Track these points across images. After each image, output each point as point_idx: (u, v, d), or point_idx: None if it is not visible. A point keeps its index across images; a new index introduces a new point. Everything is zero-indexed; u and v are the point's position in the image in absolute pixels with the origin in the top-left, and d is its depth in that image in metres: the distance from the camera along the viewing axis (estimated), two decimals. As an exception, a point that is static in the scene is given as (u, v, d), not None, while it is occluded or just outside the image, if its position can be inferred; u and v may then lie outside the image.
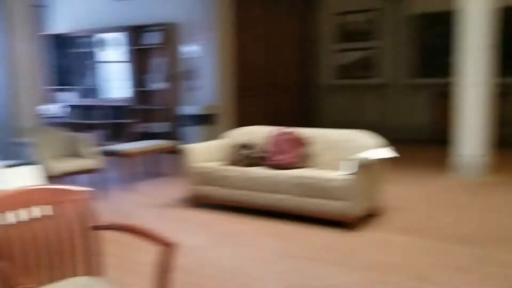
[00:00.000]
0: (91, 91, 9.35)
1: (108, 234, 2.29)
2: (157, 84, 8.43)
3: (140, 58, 8.54)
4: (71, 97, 9.52)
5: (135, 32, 8.43)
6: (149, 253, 2.29)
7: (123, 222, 2.36)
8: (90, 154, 5.46)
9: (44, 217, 2.11)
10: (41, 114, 6.42)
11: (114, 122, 8.97)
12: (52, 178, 4.78)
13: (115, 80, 9.07)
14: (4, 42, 5.71)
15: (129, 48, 8.56)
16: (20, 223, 2.03)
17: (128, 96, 8.68)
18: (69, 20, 9.47)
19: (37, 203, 2.09)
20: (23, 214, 2.05)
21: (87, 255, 2.21)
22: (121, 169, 6.14)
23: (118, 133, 8.94)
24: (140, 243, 2.24)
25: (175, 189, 5.78)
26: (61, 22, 9.62)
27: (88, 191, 2.28)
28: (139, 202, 5.39)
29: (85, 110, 9.40)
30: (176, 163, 6.48)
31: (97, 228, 2.24)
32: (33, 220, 2.07)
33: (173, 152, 6.49)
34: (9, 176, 3.36)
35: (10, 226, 1.99)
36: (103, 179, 5.58)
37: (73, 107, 9.47)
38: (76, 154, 5.51)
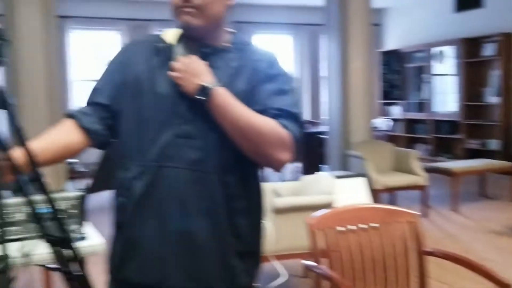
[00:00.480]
0: (416, 105, 9.32)
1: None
2: (490, 98, 7.82)
3: (470, 70, 8.07)
4: (396, 111, 9.70)
5: (467, 44, 8.01)
6: (474, 282, 2.09)
7: (454, 253, 2.21)
8: (415, 169, 5.40)
9: (372, 235, 2.14)
10: (372, 128, 6.70)
11: (439, 136, 8.72)
12: (376, 191, 4.90)
13: (441, 93, 8.82)
14: (341, 59, 6.19)
15: (459, 61, 8.19)
16: (348, 238, 2.11)
17: (455, 110, 8.31)
18: (400, 36, 9.69)
19: (368, 221, 2.15)
20: (353, 229, 2.13)
21: (414, 277, 2.15)
22: (444, 187, 5.89)
23: (442, 148, 8.67)
24: (465, 269, 2.06)
25: (505, 214, 5.21)
26: (392, 39, 9.92)
27: (418, 214, 2.22)
28: (463, 224, 5.05)
29: (409, 123, 9.43)
30: (510, 186, 5.87)
31: (426, 253, 2.15)
32: (361, 237, 2.13)
33: (508, 173, 5.88)
34: (339, 187, 3.57)
35: (341, 239, 2.09)
36: (425, 196, 5.44)
37: (396, 120, 9.62)
38: (400, 169, 5.53)
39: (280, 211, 3.16)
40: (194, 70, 1.29)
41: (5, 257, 1.07)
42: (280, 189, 3.48)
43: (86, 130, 1.39)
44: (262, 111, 1.32)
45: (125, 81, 1.39)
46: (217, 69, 1.34)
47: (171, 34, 1.43)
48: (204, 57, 1.35)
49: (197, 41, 1.38)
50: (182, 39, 1.41)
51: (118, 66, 1.44)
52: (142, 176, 1.33)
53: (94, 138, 1.41)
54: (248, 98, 1.33)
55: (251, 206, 1.41)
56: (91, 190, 1.61)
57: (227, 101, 1.28)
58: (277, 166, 1.36)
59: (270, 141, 1.30)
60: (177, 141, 1.32)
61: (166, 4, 1.43)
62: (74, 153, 1.40)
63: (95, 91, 1.45)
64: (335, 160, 6.27)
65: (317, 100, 9.88)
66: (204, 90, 1.27)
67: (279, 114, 1.33)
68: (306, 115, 9.92)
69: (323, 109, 7.53)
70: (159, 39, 1.43)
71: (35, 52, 4.95)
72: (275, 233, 3.14)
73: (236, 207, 1.36)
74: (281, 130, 1.30)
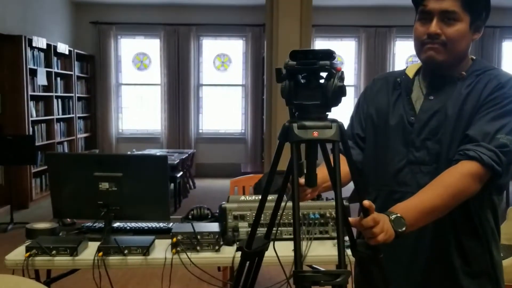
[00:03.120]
0: None
1: None
2: None
3: None
4: None
5: None
6: None
7: None
8: None
9: None
10: None
11: None
12: None
13: None
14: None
15: None
16: None
17: None
18: None
19: None
20: None
21: None
22: None
23: None
24: None
25: None
26: None
27: None
28: None
29: None
30: None
31: None
32: None
33: None
34: None
35: None
36: None
37: None
38: None
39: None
40: (382, 222, 1.23)
41: (346, 272, 1.08)
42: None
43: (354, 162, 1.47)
44: (465, 137, 1.37)
45: (369, 113, 1.56)
46: (448, 98, 1.42)
47: (412, 68, 1.54)
48: (437, 88, 1.45)
49: (435, 73, 1.46)
50: (420, 71, 1.51)
51: (365, 99, 1.61)
52: (377, 199, 1.47)
53: (359, 167, 1.57)
54: (471, 121, 1.38)
55: (479, 227, 1.43)
56: (349, 200, 1.96)
57: (416, 212, 1.29)
58: (477, 196, 1.38)
59: (461, 194, 1.33)
60: (410, 167, 1.45)
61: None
62: (349, 181, 1.43)
63: (351, 123, 1.62)
64: None
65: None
66: (400, 226, 1.25)
67: (475, 140, 1.34)
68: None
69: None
70: (402, 73, 1.55)
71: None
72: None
73: (463, 227, 1.42)
74: (461, 179, 1.32)
